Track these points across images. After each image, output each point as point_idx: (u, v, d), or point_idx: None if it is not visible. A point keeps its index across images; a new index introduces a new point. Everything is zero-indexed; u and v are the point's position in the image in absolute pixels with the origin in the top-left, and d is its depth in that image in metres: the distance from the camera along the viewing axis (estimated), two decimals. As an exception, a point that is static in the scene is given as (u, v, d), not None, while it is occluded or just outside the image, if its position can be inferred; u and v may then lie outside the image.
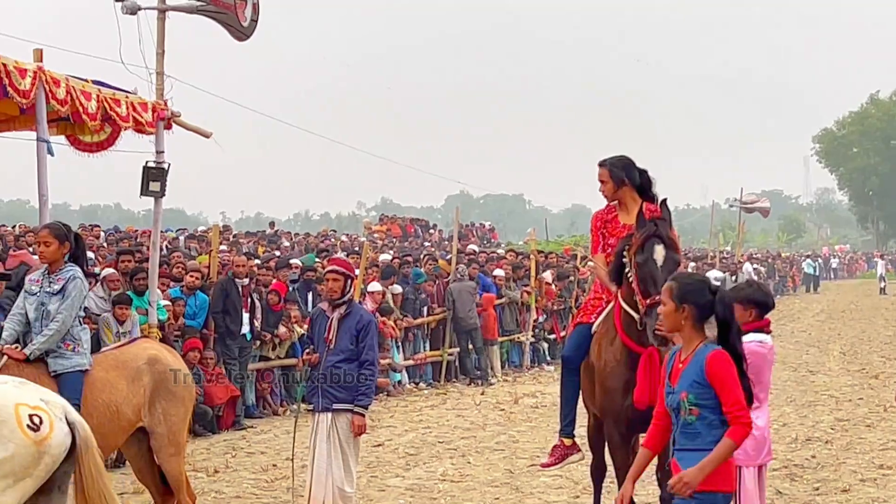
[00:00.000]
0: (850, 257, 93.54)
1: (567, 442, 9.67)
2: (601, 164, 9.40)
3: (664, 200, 8.86)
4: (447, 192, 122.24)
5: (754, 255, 58.61)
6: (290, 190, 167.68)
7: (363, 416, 10.24)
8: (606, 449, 9.47)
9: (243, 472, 13.59)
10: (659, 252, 8.41)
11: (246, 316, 17.45)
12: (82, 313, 8.73)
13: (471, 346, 23.22)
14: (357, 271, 14.30)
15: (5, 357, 8.24)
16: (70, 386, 8.32)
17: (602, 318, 9.16)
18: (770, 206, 57.68)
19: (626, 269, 8.63)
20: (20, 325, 8.61)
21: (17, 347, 8.47)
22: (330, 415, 10.23)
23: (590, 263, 28.58)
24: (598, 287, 9.46)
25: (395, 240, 41.84)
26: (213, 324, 17.01)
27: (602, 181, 9.39)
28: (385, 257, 26.18)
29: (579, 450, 9.79)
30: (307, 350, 10.50)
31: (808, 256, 69.22)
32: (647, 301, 8.30)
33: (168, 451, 8.88)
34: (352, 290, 10.42)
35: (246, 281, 17.74)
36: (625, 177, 9.33)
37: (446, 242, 42.48)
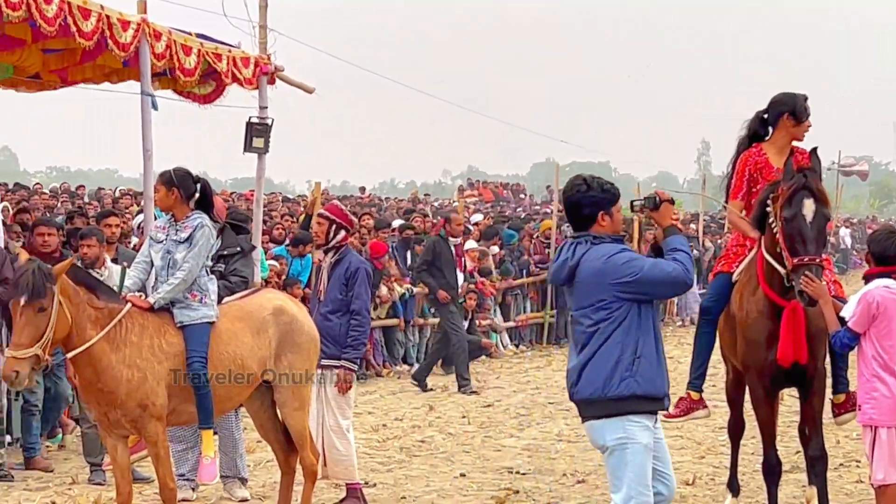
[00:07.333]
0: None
1: (694, 396, 9.08)
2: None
3: (815, 149, 8.25)
4: (532, 159, 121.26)
5: (850, 220, 57.54)
6: (376, 159, 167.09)
7: (351, 371, 9.58)
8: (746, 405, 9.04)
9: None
10: (808, 207, 7.82)
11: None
12: (209, 263, 8.41)
13: None
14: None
15: (129, 305, 7.93)
16: (196, 338, 8.02)
17: (743, 267, 8.63)
18: (869, 170, 56.50)
19: (770, 220, 8.09)
20: (145, 273, 8.30)
21: (141, 296, 8.19)
22: (320, 371, 9.42)
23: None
24: (738, 234, 8.96)
25: (487, 204, 41.44)
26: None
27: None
28: (477, 218, 25.75)
29: (706, 406, 9.16)
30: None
31: (903, 222, 68.03)
32: (796, 260, 7.78)
33: (293, 406, 8.54)
34: (341, 236, 9.71)
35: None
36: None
37: (538, 207, 42.16)
